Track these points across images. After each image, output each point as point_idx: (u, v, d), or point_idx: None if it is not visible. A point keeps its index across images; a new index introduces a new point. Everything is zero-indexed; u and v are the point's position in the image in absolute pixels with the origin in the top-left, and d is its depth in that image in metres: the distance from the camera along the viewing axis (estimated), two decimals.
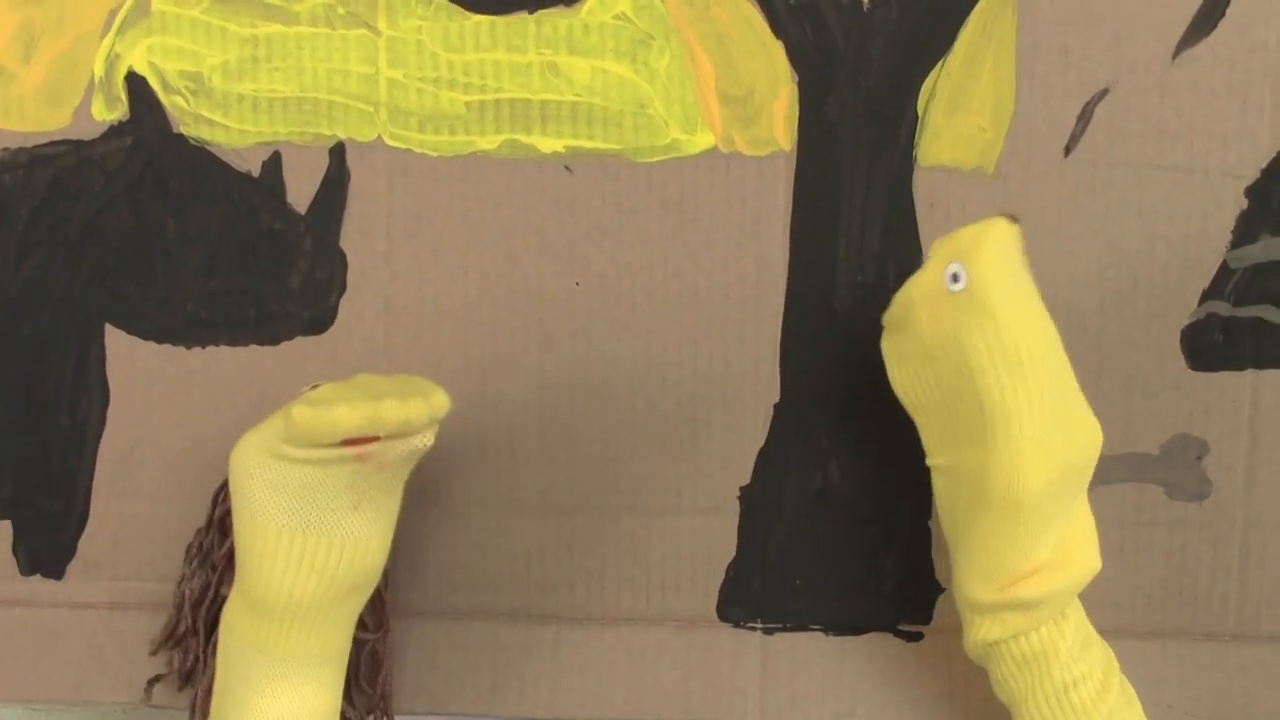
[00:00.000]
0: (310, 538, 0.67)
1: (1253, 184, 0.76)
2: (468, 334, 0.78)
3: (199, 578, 0.77)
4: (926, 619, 0.80)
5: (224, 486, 0.76)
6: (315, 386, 0.68)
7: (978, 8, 0.75)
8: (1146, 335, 0.77)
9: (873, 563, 0.80)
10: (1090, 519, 0.69)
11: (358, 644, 0.76)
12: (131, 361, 0.79)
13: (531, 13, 0.76)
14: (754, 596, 0.80)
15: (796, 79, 0.76)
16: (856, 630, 0.80)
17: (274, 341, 0.79)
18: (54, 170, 0.78)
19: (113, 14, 0.76)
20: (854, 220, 0.77)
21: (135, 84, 0.77)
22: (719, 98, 0.76)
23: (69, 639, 0.81)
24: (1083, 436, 0.67)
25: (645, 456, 0.79)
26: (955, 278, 0.67)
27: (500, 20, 0.76)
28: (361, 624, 0.75)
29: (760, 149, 0.77)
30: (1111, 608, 0.78)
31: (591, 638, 0.80)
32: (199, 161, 0.78)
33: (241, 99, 0.77)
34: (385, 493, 0.68)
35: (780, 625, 0.80)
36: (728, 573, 0.80)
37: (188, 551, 0.78)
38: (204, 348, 0.79)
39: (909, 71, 0.76)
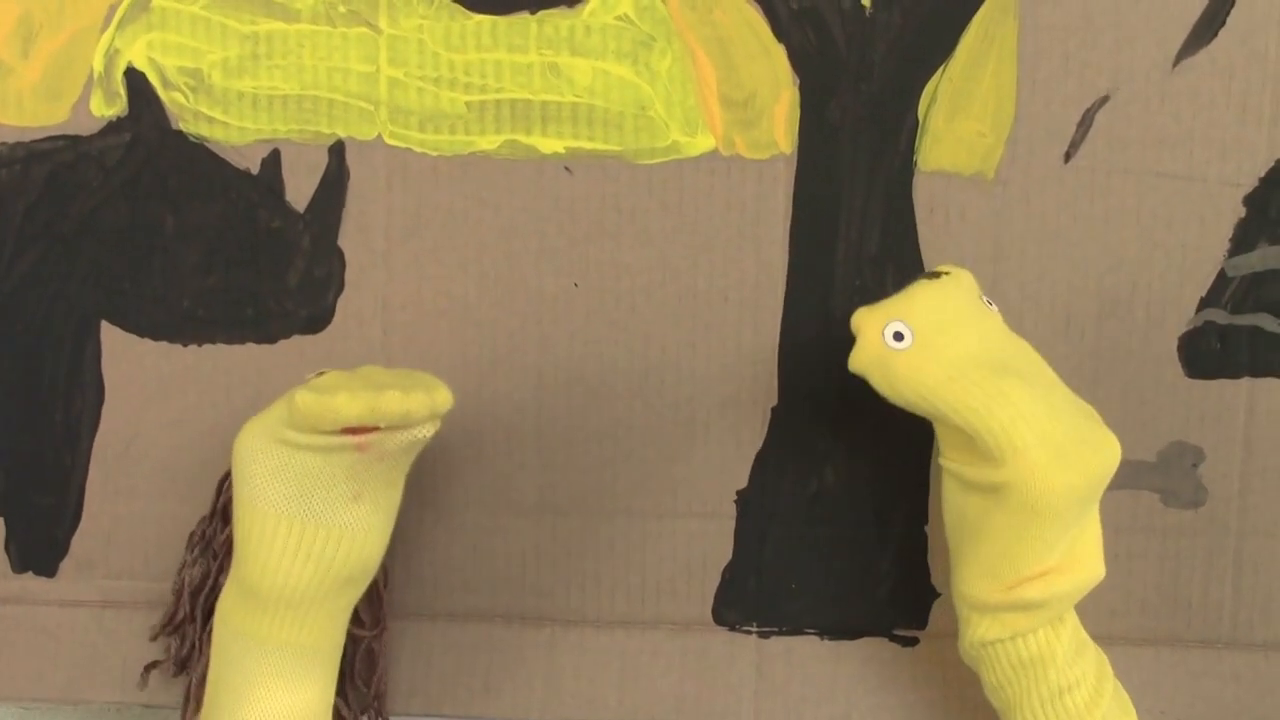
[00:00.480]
0: (309, 525, 0.67)
1: (1251, 192, 0.76)
2: (466, 334, 0.78)
3: (200, 565, 0.77)
4: (922, 624, 0.80)
5: (228, 475, 0.76)
6: (321, 374, 0.68)
7: (979, 13, 0.75)
8: (1144, 342, 0.77)
9: (868, 567, 0.80)
10: (1098, 527, 0.70)
11: (354, 641, 0.76)
12: (127, 358, 0.79)
13: (533, 13, 0.76)
14: (749, 600, 0.80)
15: (798, 83, 0.76)
16: (852, 634, 0.80)
17: (271, 340, 0.78)
18: (51, 166, 0.77)
19: (113, 9, 0.76)
20: (854, 224, 0.77)
21: (134, 80, 0.77)
22: (720, 100, 0.76)
23: (61, 637, 0.80)
24: (1100, 448, 0.67)
25: (642, 459, 0.79)
26: (899, 336, 0.68)
27: (502, 20, 0.76)
28: (358, 620, 0.75)
29: (761, 152, 0.77)
30: (1106, 614, 0.78)
31: (586, 640, 0.80)
32: (198, 158, 0.77)
33: (241, 96, 0.77)
34: (385, 485, 0.69)
35: (775, 629, 0.80)
36: (723, 576, 0.80)
37: (190, 539, 0.78)
38: (200, 345, 0.79)
39: (910, 76, 0.76)
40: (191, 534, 0.78)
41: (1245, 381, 0.78)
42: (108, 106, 0.77)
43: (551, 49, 0.76)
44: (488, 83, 0.76)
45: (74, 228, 0.78)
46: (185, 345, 0.79)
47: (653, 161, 0.77)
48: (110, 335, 0.79)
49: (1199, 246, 0.77)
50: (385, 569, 0.76)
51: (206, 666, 0.73)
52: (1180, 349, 0.77)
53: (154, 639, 0.79)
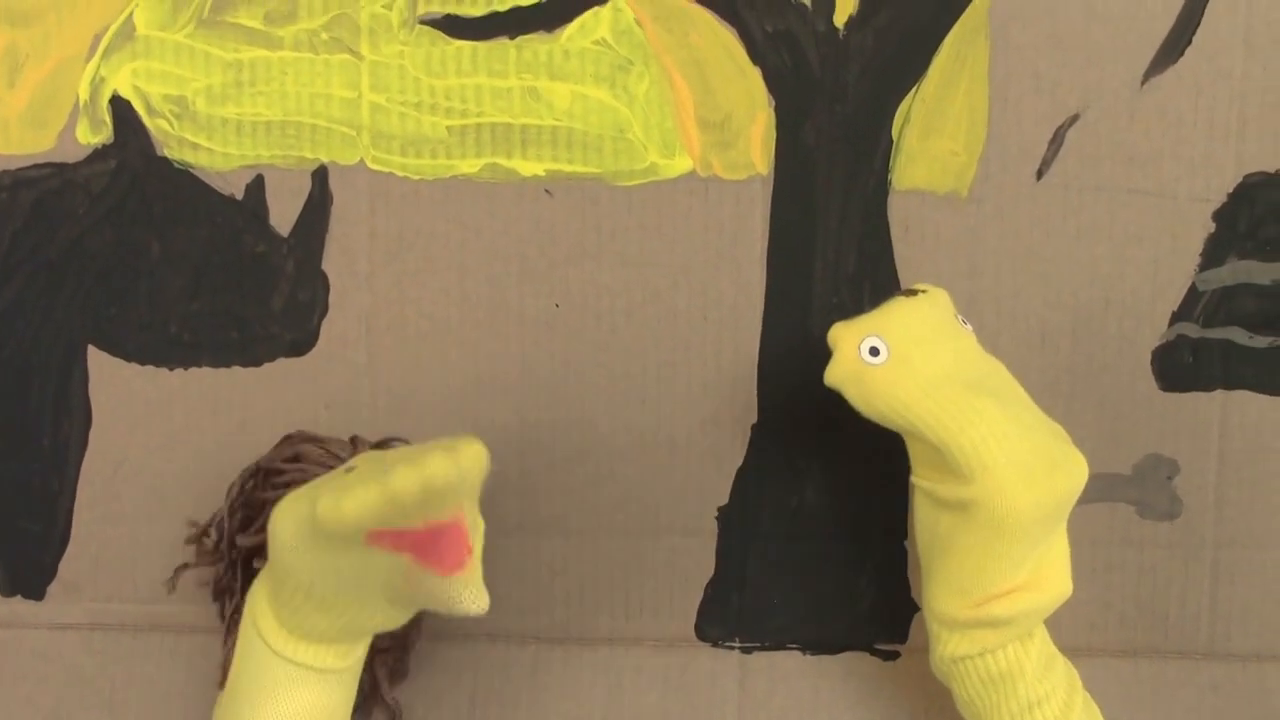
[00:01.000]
0: (341, 598, 0.65)
1: (1220, 208, 0.77)
2: (449, 355, 0.79)
3: (239, 512, 0.75)
4: (903, 638, 0.81)
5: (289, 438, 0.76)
6: (350, 469, 0.64)
7: (951, 34, 0.77)
8: (1117, 356, 0.79)
9: (850, 582, 0.81)
10: (1066, 545, 0.70)
11: (382, 653, 0.76)
12: (114, 383, 0.79)
13: (512, 38, 0.77)
14: (732, 616, 0.81)
15: (773, 104, 0.77)
16: (834, 649, 0.81)
17: (256, 363, 0.79)
18: (37, 193, 0.78)
19: (98, 38, 0.77)
20: (830, 243, 0.78)
21: (120, 107, 0.78)
22: (697, 123, 0.77)
23: (49, 660, 0.81)
24: (1068, 468, 0.68)
25: (624, 477, 0.80)
26: (874, 351, 0.69)
27: (481, 46, 0.77)
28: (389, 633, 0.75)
29: (738, 173, 0.78)
30: (1084, 626, 0.79)
31: (571, 657, 0.81)
32: (182, 184, 0.78)
33: (225, 122, 0.78)
34: (419, 605, 0.66)
35: (758, 644, 0.81)
36: (706, 592, 0.81)
37: (229, 491, 0.76)
38: (186, 369, 0.79)
39: (884, 97, 0.77)
40: (230, 486, 0.76)
41: (1218, 394, 0.79)
42: (93, 134, 0.78)
43: (531, 73, 0.77)
44: (468, 107, 0.77)
45: (60, 254, 0.79)
46: (171, 369, 0.79)
47: (631, 183, 0.78)
48: (97, 360, 0.79)
49: (1170, 262, 0.78)
50: None
51: (238, 607, 0.73)
52: (1153, 363, 0.78)
53: (188, 542, 0.78)
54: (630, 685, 0.81)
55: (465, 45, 0.77)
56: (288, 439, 0.76)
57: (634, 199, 0.78)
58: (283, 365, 0.79)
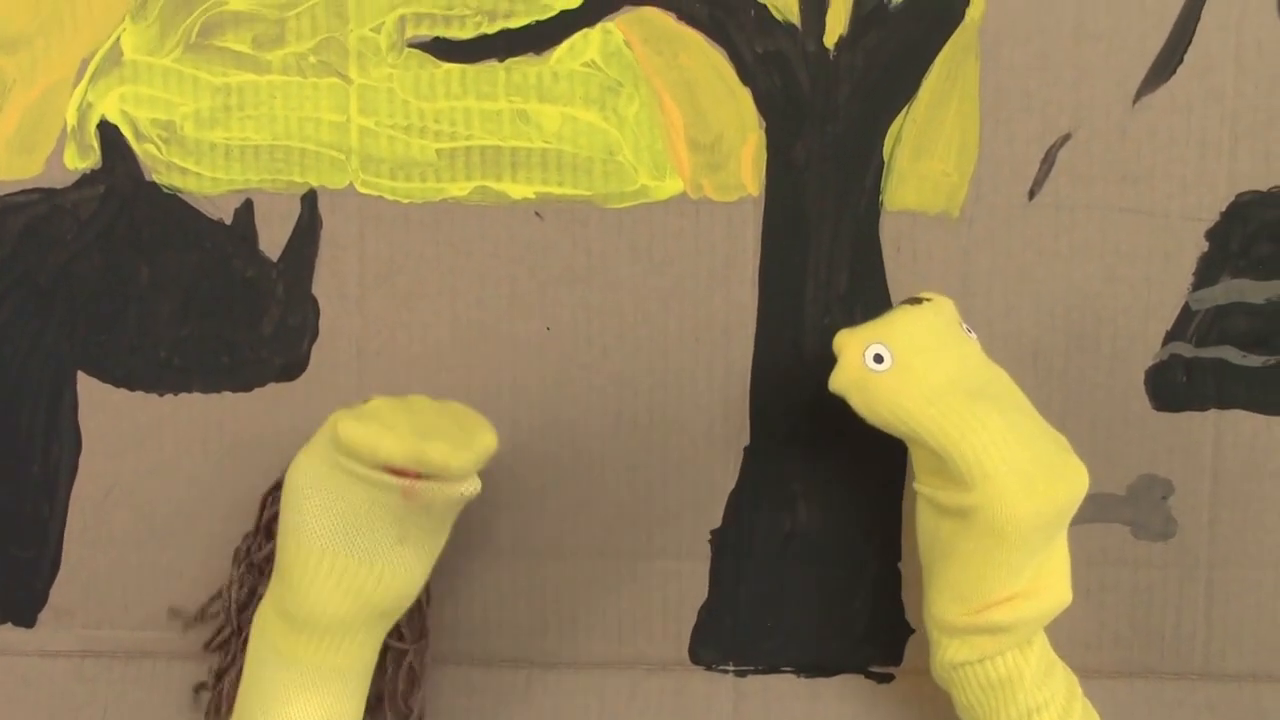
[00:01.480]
0: (352, 561, 0.67)
1: (1213, 227, 0.77)
2: (439, 379, 0.79)
3: (246, 583, 0.77)
4: (897, 660, 0.81)
5: (272, 489, 0.76)
6: (368, 400, 0.69)
7: (941, 55, 0.76)
8: (1110, 376, 0.78)
9: (844, 604, 0.80)
10: (1066, 553, 0.71)
11: (396, 656, 0.76)
12: (104, 408, 0.79)
13: (501, 61, 0.77)
14: (726, 639, 0.80)
15: (764, 125, 0.77)
16: (828, 672, 0.81)
17: (247, 388, 0.79)
18: (25, 219, 0.78)
19: (85, 63, 0.77)
20: (821, 264, 0.78)
21: (107, 132, 0.77)
22: (687, 144, 0.77)
23: (40, 687, 0.81)
24: (1068, 477, 0.69)
25: (616, 500, 0.79)
26: (879, 358, 0.69)
27: (470, 68, 0.77)
28: (398, 634, 0.75)
29: (728, 194, 0.77)
30: (1079, 647, 0.78)
31: (564, 681, 0.81)
32: (171, 209, 0.78)
33: (214, 147, 0.77)
34: (431, 532, 0.69)
35: (752, 668, 0.81)
36: (699, 615, 0.80)
37: (235, 555, 0.78)
38: (176, 394, 0.79)
39: (875, 117, 0.77)
40: (236, 550, 0.78)
41: (1212, 413, 0.78)
42: (81, 159, 0.78)
43: (520, 96, 0.77)
44: (457, 130, 0.77)
45: (49, 280, 0.78)
46: (161, 395, 0.79)
47: (622, 205, 0.78)
48: (86, 386, 0.79)
49: (1163, 281, 0.78)
50: (428, 587, 0.76)
51: (239, 675, 0.73)
52: (1147, 382, 0.78)
53: (207, 649, 0.79)
54: (624, 709, 0.80)
55: (454, 68, 0.77)
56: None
57: (624, 221, 0.78)
58: (273, 390, 0.79)
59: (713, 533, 0.80)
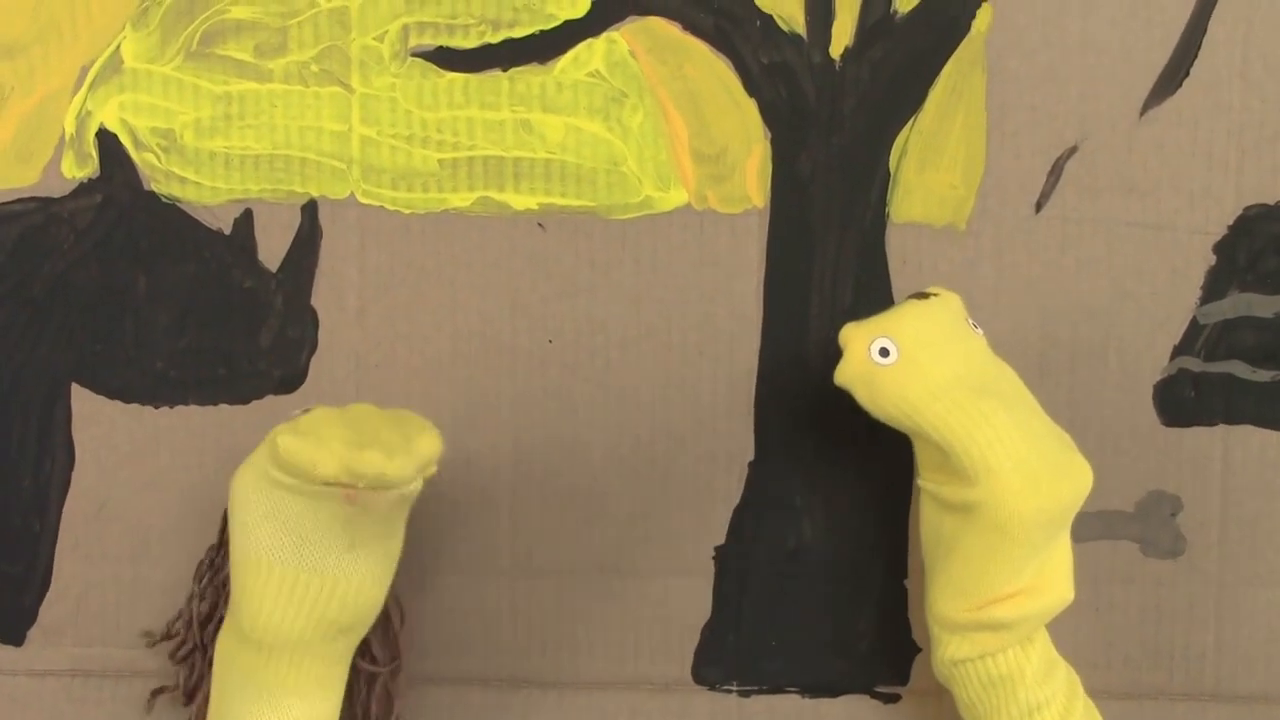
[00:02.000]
0: (303, 573, 0.66)
1: (1220, 240, 0.77)
2: (440, 392, 0.78)
3: (208, 598, 0.76)
4: (904, 680, 0.79)
5: None
6: (308, 410, 0.67)
7: (947, 67, 0.76)
8: (1118, 391, 0.78)
9: (848, 623, 0.79)
10: (1069, 552, 0.71)
11: (369, 680, 0.75)
12: (98, 421, 0.78)
13: (505, 70, 0.76)
14: (729, 658, 0.79)
15: (769, 137, 0.77)
16: (833, 692, 0.79)
17: (244, 400, 0.78)
18: (21, 228, 0.77)
19: (85, 70, 0.76)
20: (827, 277, 0.77)
21: (106, 141, 0.77)
22: (692, 155, 0.77)
23: (29, 707, 0.79)
24: (1072, 474, 0.68)
25: (618, 516, 0.78)
26: (885, 352, 0.69)
27: (474, 78, 0.76)
28: (371, 657, 0.74)
29: (733, 206, 0.77)
30: (1087, 667, 0.77)
31: (565, 702, 0.79)
32: (170, 219, 0.77)
33: (213, 156, 0.77)
34: (382, 536, 0.68)
35: (756, 688, 0.79)
36: (703, 634, 0.79)
37: (197, 569, 0.77)
38: (172, 407, 0.78)
39: (880, 129, 0.76)
40: (200, 563, 0.77)
41: (1220, 429, 0.78)
42: (79, 168, 0.77)
43: (524, 106, 0.76)
44: (460, 140, 0.77)
45: (44, 290, 0.77)
46: (157, 407, 0.78)
47: (626, 217, 0.77)
48: (81, 398, 0.78)
49: (1170, 295, 0.77)
50: (400, 606, 0.75)
51: (208, 693, 0.72)
52: (1155, 397, 0.78)
53: (150, 646, 0.78)
54: None
55: (457, 77, 0.76)
56: None
57: (628, 232, 0.77)
58: (271, 403, 0.78)
59: (716, 549, 0.79)
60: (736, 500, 0.78)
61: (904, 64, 0.76)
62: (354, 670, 0.73)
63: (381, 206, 0.77)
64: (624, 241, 0.77)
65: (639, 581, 0.79)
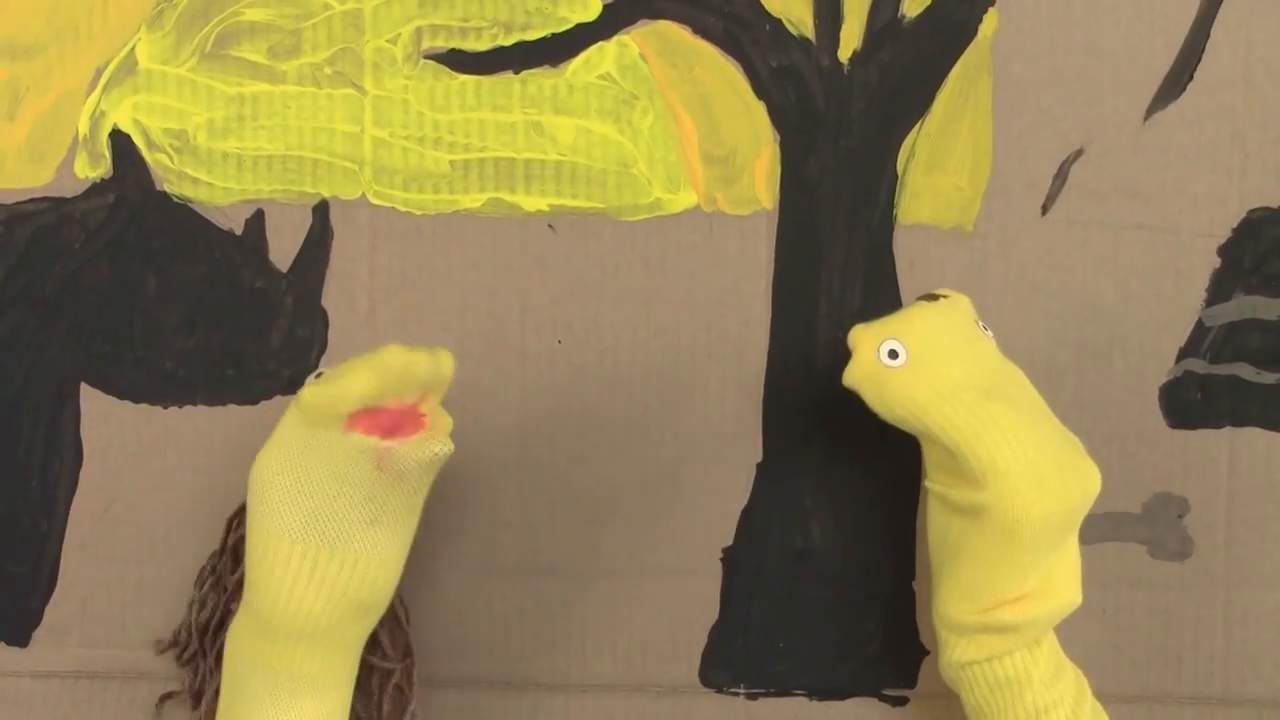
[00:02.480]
0: (324, 550, 0.66)
1: (1225, 243, 0.77)
2: (449, 392, 0.77)
3: (210, 604, 0.76)
4: (911, 683, 0.79)
5: (238, 513, 0.75)
6: (319, 374, 0.67)
7: (954, 71, 0.77)
8: (1124, 393, 0.78)
9: (856, 626, 0.79)
10: (1076, 554, 0.70)
11: (382, 677, 0.75)
12: (107, 421, 0.78)
13: (517, 73, 0.77)
14: (737, 661, 0.79)
15: (778, 139, 0.77)
16: (841, 695, 0.79)
17: (253, 401, 0.78)
18: (33, 228, 0.77)
19: (99, 71, 0.77)
20: (835, 278, 0.78)
21: (119, 141, 0.77)
22: (702, 157, 0.77)
23: (33, 709, 0.78)
24: (1081, 477, 0.68)
25: (626, 517, 0.78)
26: (894, 354, 0.69)
27: (486, 80, 0.77)
28: (382, 653, 0.73)
29: (742, 208, 0.77)
30: (1095, 670, 0.77)
31: (571, 704, 0.79)
32: (181, 219, 0.78)
33: (226, 157, 0.77)
34: (404, 510, 0.68)
35: (764, 690, 0.79)
36: (710, 636, 0.79)
37: (200, 575, 0.77)
38: (181, 407, 0.78)
39: (888, 132, 0.77)
40: (201, 569, 0.77)
41: (1227, 431, 0.78)
42: (92, 168, 0.77)
43: (535, 108, 0.77)
44: (471, 142, 0.77)
45: (55, 289, 0.78)
46: (166, 408, 0.78)
47: (636, 218, 0.78)
48: (90, 398, 0.78)
49: (1176, 297, 0.78)
50: (405, 604, 0.75)
51: (216, 698, 0.71)
52: (1161, 399, 0.78)
53: (160, 654, 0.78)
54: None
55: (469, 80, 0.77)
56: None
57: (638, 234, 0.78)
58: (280, 403, 0.78)
59: (724, 551, 0.79)
60: (744, 501, 0.78)
61: (911, 68, 0.77)
62: (367, 669, 0.73)
63: (393, 207, 0.77)
64: (634, 243, 0.78)
65: (646, 582, 0.79)
